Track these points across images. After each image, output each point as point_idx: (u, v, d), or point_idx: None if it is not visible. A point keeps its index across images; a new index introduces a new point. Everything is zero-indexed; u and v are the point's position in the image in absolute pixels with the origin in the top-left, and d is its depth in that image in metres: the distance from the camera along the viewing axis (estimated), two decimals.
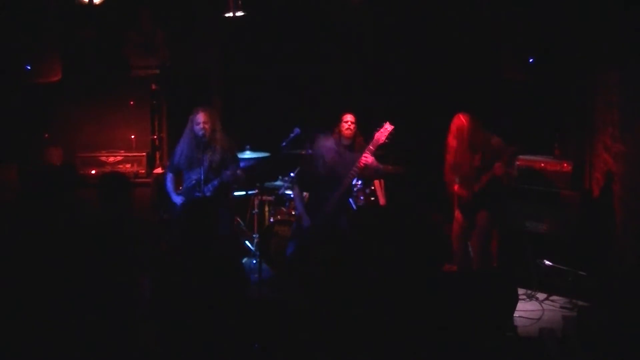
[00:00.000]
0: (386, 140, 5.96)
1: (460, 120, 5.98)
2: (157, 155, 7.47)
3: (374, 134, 5.98)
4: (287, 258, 6.19)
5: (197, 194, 6.07)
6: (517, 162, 6.61)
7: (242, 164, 6.43)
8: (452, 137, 6.04)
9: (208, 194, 6.03)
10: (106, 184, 4.66)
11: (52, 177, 6.75)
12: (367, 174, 6.21)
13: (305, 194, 6.34)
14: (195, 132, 6.09)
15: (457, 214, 6.26)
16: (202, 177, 6.01)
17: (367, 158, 5.93)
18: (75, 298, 4.18)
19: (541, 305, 6.05)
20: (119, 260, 4.37)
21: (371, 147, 5.94)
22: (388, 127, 5.97)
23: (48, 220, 5.77)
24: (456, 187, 6.10)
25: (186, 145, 6.19)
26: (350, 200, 6.36)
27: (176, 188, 6.36)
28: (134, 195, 6.82)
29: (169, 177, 6.34)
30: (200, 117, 6.08)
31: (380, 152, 7.01)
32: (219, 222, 5.93)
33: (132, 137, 7.34)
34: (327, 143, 6.05)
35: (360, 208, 6.63)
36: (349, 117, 6.77)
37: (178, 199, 6.22)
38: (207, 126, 6.08)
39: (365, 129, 6.51)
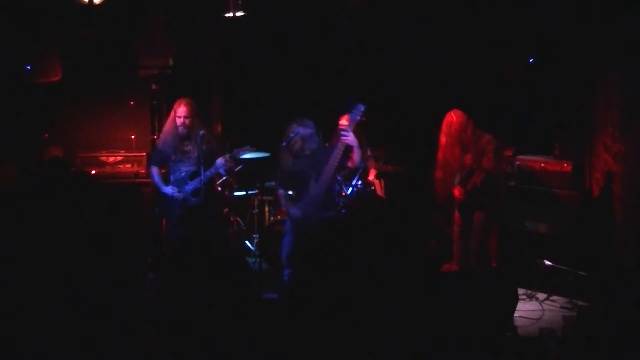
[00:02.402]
0: (362, 119, 5.91)
1: (451, 116, 6.03)
2: None
3: (348, 115, 5.93)
4: (283, 260, 6.16)
5: (190, 185, 6.12)
6: (517, 162, 6.62)
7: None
8: (442, 133, 6.08)
9: (200, 185, 6.08)
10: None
11: (53, 175, 6.76)
12: (347, 156, 6.08)
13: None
14: (176, 123, 6.20)
15: (456, 214, 6.26)
16: (193, 169, 6.08)
17: (347, 136, 5.73)
18: (75, 298, 4.18)
19: (541, 305, 6.05)
20: (119, 260, 4.37)
21: (347, 129, 5.85)
22: (361, 106, 5.91)
23: (48, 220, 5.77)
24: (439, 186, 6.14)
25: (169, 134, 6.29)
26: (344, 187, 6.30)
27: (163, 180, 6.38)
28: (134, 195, 6.86)
29: (154, 170, 6.38)
30: (182, 111, 6.18)
31: (380, 153, 7.00)
32: (205, 213, 6.03)
33: (132, 137, 7.34)
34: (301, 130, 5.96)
35: (358, 200, 6.56)
36: (345, 121, 6.75)
37: (168, 190, 6.27)
38: (187, 121, 6.18)
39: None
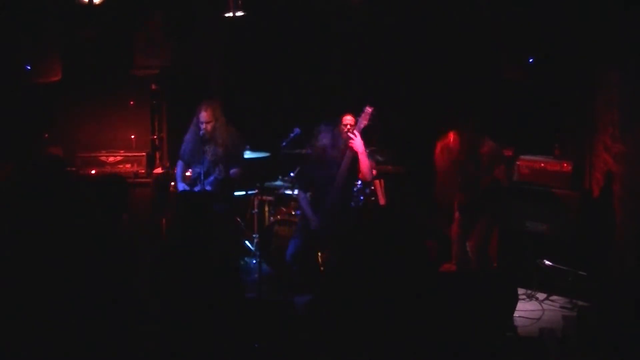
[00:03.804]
0: (369, 123, 5.96)
1: (448, 140, 6.00)
2: (157, 155, 7.47)
3: (356, 119, 6.00)
4: (288, 259, 6.18)
5: (198, 187, 6.16)
6: (517, 162, 6.63)
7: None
8: (436, 157, 6.07)
9: (209, 188, 6.15)
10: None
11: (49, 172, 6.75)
12: (358, 163, 6.04)
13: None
14: (198, 127, 6.28)
15: (457, 214, 6.26)
16: (203, 170, 6.14)
17: (354, 139, 5.87)
18: (74, 298, 4.18)
19: (541, 305, 6.05)
20: (119, 260, 4.36)
21: (355, 132, 5.93)
22: (368, 109, 5.97)
23: (47, 220, 5.75)
24: (439, 192, 6.15)
25: (190, 137, 6.41)
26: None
27: (183, 176, 6.55)
28: (134, 195, 6.86)
29: (179, 164, 6.56)
30: (203, 116, 6.27)
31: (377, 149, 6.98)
32: (217, 218, 6.02)
33: (132, 137, 7.34)
34: (327, 135, 6.03)
35: (360, 208, 6.60)
36: (348, 118, 6.75)
37: (181, 186, 6.42)
38: (209, 126, 6.26)
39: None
